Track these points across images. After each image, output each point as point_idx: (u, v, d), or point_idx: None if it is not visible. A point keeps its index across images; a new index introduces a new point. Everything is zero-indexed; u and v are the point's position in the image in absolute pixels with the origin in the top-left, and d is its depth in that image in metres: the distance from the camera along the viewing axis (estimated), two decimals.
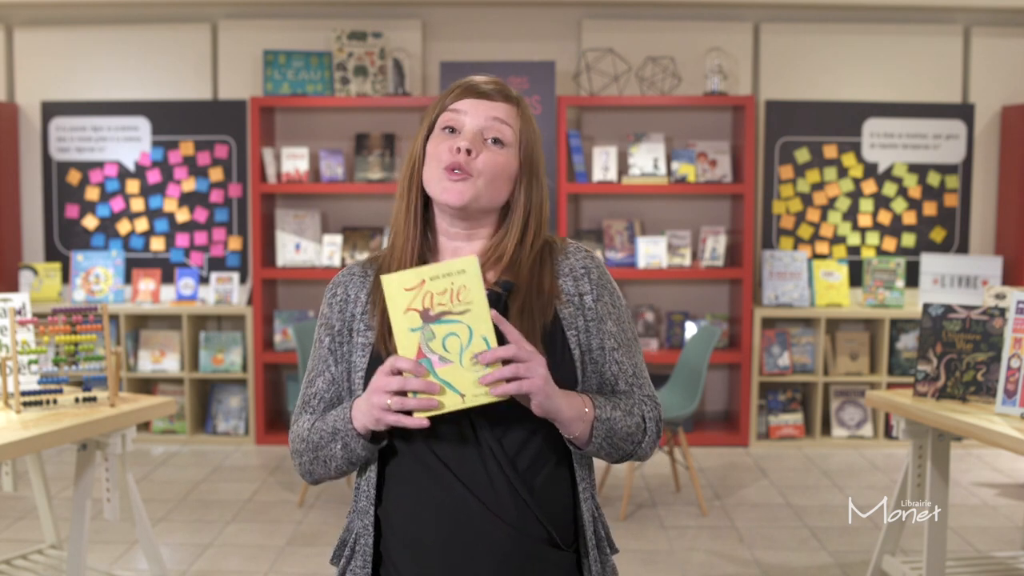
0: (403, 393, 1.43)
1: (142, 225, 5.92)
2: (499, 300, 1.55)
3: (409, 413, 1.43)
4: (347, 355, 1.60)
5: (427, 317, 1.42)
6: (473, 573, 1.50)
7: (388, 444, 1.54)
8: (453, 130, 1.57)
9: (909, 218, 5.89)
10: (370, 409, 1.45)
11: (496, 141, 1.57)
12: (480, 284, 1.41)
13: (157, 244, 5.93)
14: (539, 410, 1.44)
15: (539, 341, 1.52)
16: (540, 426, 1.52)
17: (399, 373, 1.43)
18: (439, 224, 1.62)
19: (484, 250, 1.60)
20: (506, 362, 1.42)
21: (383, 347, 1.54)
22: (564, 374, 1.54)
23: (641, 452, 1.60)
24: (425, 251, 1.62)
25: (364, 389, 1.54)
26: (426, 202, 1.63)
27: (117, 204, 5.91)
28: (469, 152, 1.54)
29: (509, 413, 1.50)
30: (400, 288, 1.42)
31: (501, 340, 1.45)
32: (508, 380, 1.41)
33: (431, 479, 1.52)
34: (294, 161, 5.71)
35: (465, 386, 1.42)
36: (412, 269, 1.43)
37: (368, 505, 1.58)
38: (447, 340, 1.42)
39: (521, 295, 1.56)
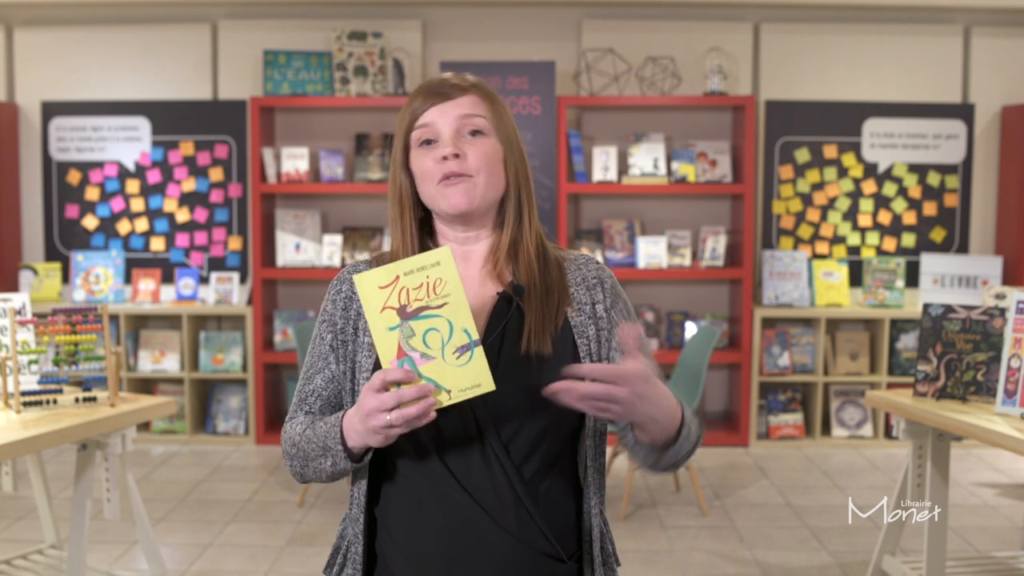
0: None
1: (142, 225, 5.92)
2: (511, 304, 1.54)
3: None
4: (351, 354, 1.58)
5: (404, 314, 1.37)
6: None
7: (391, 448, 1.50)
8: (430, 141, 1.56)
9: (909, 218, 5.89)
10: (370, 432, 1.40)
11: (475, 133, 1.56)
12: (456, 274, 1.37)
13: (157, 244, 5.93)
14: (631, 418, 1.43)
15: (550, 342, 1.51)
16: (548, 433, 1.52)
17: (387, 388, 1.38)
18: (444, 231, 1.61)
19: (492, 249, 1.60)
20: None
21: None
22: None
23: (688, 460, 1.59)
24: None
25: None
26: (423, 216, 1.62)
27: (117, 204, 5.91)
28: (457, 156, 1.53)
29: (517, 417, 1.49)
30: (374, 287, 1.37)
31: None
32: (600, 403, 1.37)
33: (433, 485, 1.50)
34: (294, 161, 5.71)
35: (450, 381, 1.38)
36: (385, 266, 1.38)
37: (359, 513, 1.56)
38: (427, 336, 1.37)
39: (534, 298, 1.54)
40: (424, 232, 1.62)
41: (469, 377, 1.38)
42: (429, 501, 1.51)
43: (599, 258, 5.56)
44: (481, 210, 1.57)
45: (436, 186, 1.54)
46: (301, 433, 1.56)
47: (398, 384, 1.37)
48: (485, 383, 1.38)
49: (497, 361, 1.48)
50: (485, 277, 1.58)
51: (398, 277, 1.37)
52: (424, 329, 1.37)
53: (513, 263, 1.59)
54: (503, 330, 1.52)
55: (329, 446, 1.49)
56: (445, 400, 1.38)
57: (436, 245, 1.62)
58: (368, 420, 1.39)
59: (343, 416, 1.48)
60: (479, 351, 1.38)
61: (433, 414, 1.37)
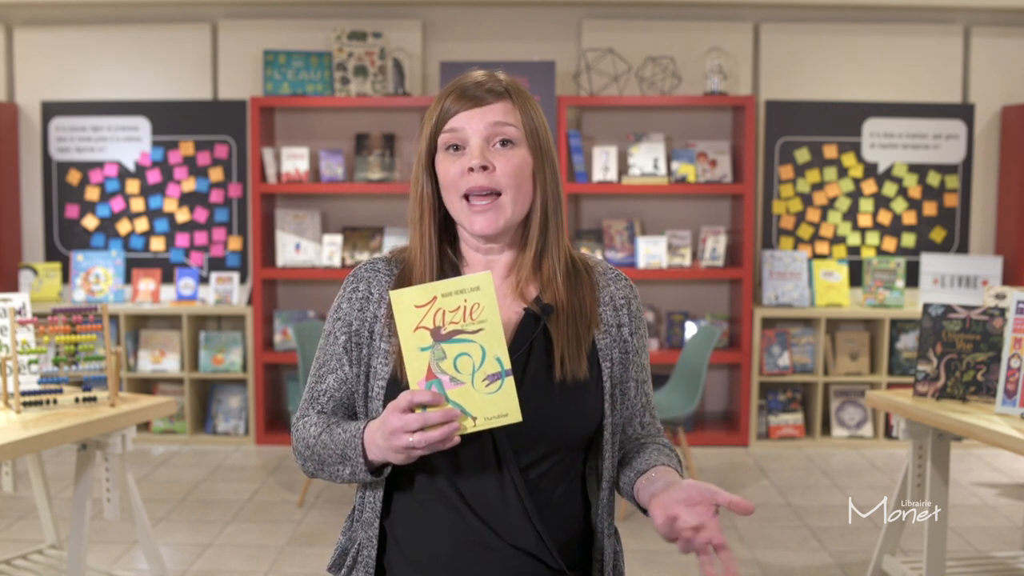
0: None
1: (142, 225, 5.92)
2: (537, 323, 1.50)
3: None
4: (366, 358, 1.54)
5: (438, 336, 1.35)
6: None
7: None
8: (458, 147, 1.50)
9: (909, 218, 5.89)
10: (392, 451, 1.39)
11: (505, 143, 1.50)
12: (495, 302, 1.35)
13: (157, 244, 5.93)
14: None
15: (585, 365, 1.50)
16: (565, 455, 1.51)
17: (412, 409, 1.36)
18: (467, 238, 1.56)
19: (516, 263, 1.55)
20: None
21: (400, 367, 1.46)
22: (592, 407, 1.51)
23: None
24: (446, 268, 1.55)
25: (383, 399, 1.50)
26: (445, 216, 1.56)
27: (117, 204, 5.91)
28: (485, 168, 1.47)
29: (537, 439, 1.47)
30: (410, 305, 1.34)
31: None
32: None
33: (444, 500, 1.49)
34: (294, 161, 5.71)
35: (477, 408, 1.36)
36: (423, 285, 1.36)
37: (373, 517, 1.54)
38: (458, 360, 1.35)
39: (565, 321, 1.50)
40: (444, 231, 1.57)
41: (497, 406, 1.36)
42: (438, 515, 1.49)
43: (598, 257, 5.57)
44: (507, 227, 1.52)
45: (461, 201, 1.49)
46: (316, 436, 1.53)
47: (424, 406, 1.35)
48: (512, 414, 1.37)
49: (521, 380, 1.44)
50: (508, 291, 1.53)
51: (435, 298, 1.35)
52: (456, 353, 1.35)
53: (539, 279, 1.54)
54: (529, 348, 1.49)
55: (349, 456, 1.47)
56: (470, 426, 1.36)
57: (458, 249, 1.58)
58: (391, 439, 1.37)
59: (364, 428, 1.45)
60: (509, 381, 1.36)
61: (457, 439, 1.36)
